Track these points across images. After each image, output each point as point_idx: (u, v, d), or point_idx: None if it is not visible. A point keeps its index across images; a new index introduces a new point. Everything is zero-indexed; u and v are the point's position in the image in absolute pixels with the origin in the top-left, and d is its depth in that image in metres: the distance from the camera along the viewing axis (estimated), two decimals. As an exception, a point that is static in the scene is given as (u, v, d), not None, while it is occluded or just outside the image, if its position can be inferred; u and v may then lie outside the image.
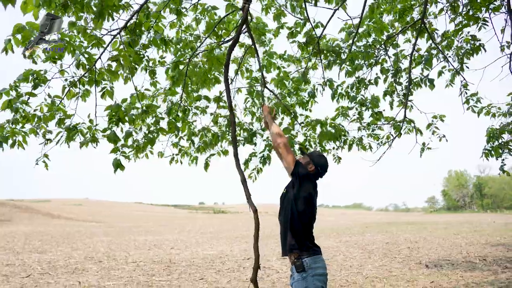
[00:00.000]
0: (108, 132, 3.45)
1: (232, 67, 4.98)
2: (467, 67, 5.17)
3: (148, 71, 4.35)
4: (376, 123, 5.47)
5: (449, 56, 5.28)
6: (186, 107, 4.60)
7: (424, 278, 6.91)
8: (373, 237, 15.69)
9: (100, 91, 3.61)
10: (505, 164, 5.51)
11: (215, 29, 4.47)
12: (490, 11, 4.63)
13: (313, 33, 4.78)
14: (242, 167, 3.94)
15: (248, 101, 5.09)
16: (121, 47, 3.60)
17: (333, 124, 5.14)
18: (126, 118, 3.51)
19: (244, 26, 3.66)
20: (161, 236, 18.07)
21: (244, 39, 4.74)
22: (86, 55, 3.41)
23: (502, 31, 4.96)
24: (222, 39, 4.52)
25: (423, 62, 5.05)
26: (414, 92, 5.34)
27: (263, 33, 4.60)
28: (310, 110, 5.33)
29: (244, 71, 5.01)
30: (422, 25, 4.82)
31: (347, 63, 5.20)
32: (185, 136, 4.84)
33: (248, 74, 5.06)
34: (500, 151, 5.18)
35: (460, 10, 4.78)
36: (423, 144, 5.52)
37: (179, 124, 4.56)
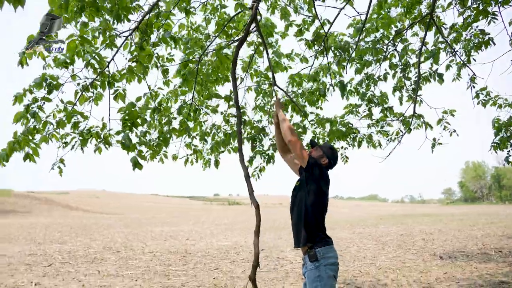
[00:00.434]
0: (122, 135, 3.42)
1: (241, 66, 5.06)
2: (474, 60, 5.15)
3: (161, 69, 4.36)
4: (385, 119, 5.49)
5: (457, 50, 5.26)
6: (197, 107, 4.65)
7: (438, 269, 6.94)
8: (388, 228, 15.70)
9: (113, 93, 3.64)
10: (510, 155, 5.53)
11: (225, 28, 4.53)
12: (499, 4, 4.59)
13: (321, 30, 4.80)
14: (246, 164, 4.02)
15: (258, 99, 5.15)
16: (133, 48, 3.69)
17: (343, 122, 5.18)
18: (139, 121, 3.54)
19: (253, 25, 3.73)
20: (177, 227, 18.45)
21: (253, 38, 4.79)
22: (97, 58, 3.44)
23: (511, 23, 4.93)
24: (232, 38, 4.59)
25: (432, 56, 5.05)
26: (422, 86, 5.35)
27: (271, 34, 4.63)
28: (321, 108, 5.38)
29: (253, 73, 5.05)
30: (431, 19, 4.81)
31: (356, 60, 5.22)
32: (197, 136, 4.86)
33: (257, 77, 5.08)
34: (508, 143, 5.20)
35: (469, 3, 4.75)
36: (434, 139, 5.44)
37: (191, 124, 4.60)
